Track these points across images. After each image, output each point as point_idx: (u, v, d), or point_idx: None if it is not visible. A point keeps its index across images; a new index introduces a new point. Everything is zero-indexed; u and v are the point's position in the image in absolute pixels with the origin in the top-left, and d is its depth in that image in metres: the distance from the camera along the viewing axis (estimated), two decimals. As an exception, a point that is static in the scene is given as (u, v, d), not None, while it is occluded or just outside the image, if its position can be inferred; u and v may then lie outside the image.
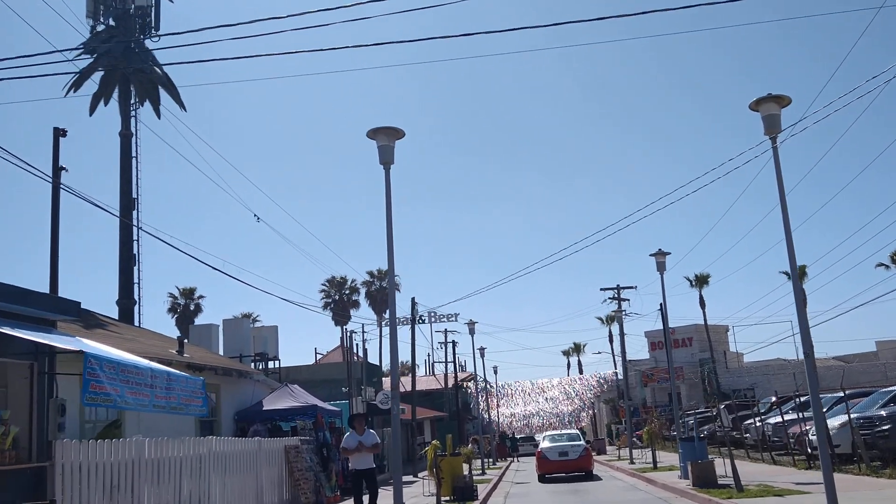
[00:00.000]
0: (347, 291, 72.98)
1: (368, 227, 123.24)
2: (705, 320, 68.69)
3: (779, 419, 25.11)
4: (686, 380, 69.74)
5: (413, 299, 31.99)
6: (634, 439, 34.23)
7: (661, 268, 21.31)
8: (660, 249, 21.30)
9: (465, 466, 28.43)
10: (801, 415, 20.38)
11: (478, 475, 30.24)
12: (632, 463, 29.88)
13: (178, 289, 70.95)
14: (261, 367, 30.39)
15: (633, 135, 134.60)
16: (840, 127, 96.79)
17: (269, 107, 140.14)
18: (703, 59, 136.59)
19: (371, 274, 72.57)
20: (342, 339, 28.38)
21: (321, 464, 20.52)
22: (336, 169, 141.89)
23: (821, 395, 26.20)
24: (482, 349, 42.67)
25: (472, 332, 31.94)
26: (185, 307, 70.74)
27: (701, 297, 69.26)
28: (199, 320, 78.10)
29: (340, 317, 73.29)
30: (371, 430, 14.62)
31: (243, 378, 20.80)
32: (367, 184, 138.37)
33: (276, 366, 32.18)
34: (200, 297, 72.94)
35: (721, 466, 17.70)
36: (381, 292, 72.13)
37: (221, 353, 29.95)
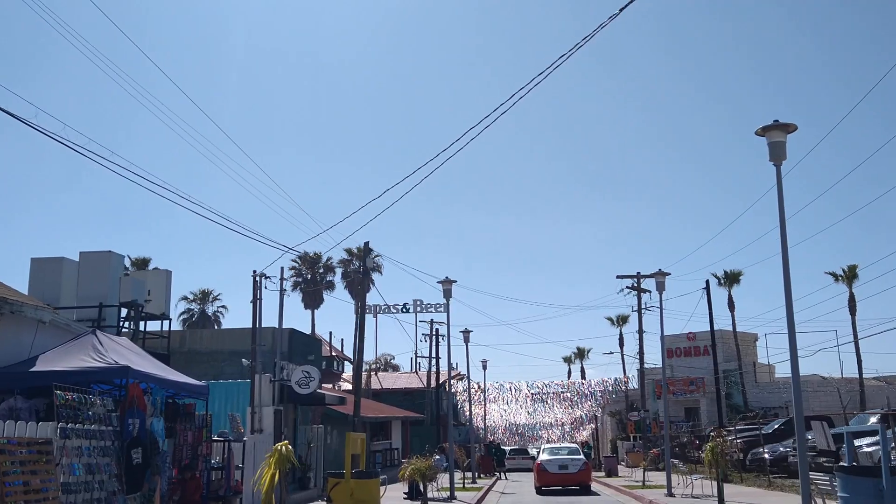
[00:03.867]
0: (321, 270, 63.43)
1: (355, 195, 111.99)
2: (734, 325, 58.87)
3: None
4: (707, 393, 59.93)
5: (366, 244, 22.41)
6: (675, 461, 24.48)
7: (777, 157, 11.75)
8: (776, 120, 11.78)
9: (421, 486, 18.96)
10: None
11: (440, 501, 20.73)
12: (670, 495, 20.23)
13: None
14: (128, 325, 20.78)
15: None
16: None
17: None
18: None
19: (349, 252, 62.23)
20: (254, 285, 18.47)
21: (128, 478, 10.90)
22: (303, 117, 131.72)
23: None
24: (467, 332, 33.00)
25: (447, 295, 22.37)
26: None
27: (730, 298, 59.71)
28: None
29: (311, 298, 64.00)
30: None
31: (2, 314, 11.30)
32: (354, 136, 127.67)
33: (164, 327, 22.63)
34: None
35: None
36: (360, 273, 62.67)
37: (76, 299, 20.42)
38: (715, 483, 21.09)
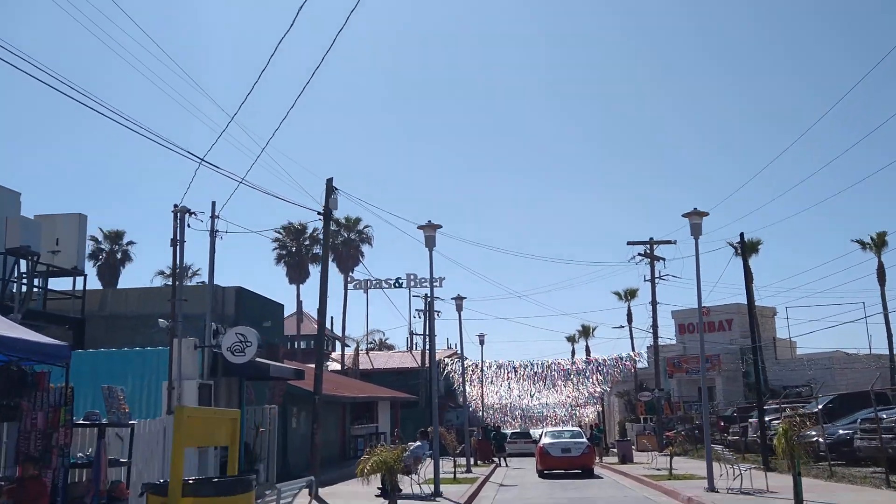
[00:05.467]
0: (307, 242, 58.97)
1: (341, 156, 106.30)
2: (751, 298, 54.43)
3: None
4: (724, 371, 55.67)
5: (329, 181, 18.01)
6: (719, 448, 20.04)
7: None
8: None
9: (390, 482, 14.64)
10: None
11: (421, 499, 16.50)
12: (712, 489, 15.92)
13: (102, 231, 57.58)
14: (25, 283, 16.39)
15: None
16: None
17: None
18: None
19: (337, 223, 57.26)
20: (175, 222, 13.93)
21: None
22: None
23: None
24: (460, 298, 28.62)
25: (429, 243, 17.96)
26: (109, 254, 57.33)
27: (748, 268, 55.09)
28: (127, 272, 64.56)
29: (296, 272, 59.61)
30: None
31: None
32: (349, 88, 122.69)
33: (76, 286, 18.25)
34: (130, 242, 60.00)
35: None
36: (348, 245, 58.21)
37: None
38: (767, 475, 16.86)
